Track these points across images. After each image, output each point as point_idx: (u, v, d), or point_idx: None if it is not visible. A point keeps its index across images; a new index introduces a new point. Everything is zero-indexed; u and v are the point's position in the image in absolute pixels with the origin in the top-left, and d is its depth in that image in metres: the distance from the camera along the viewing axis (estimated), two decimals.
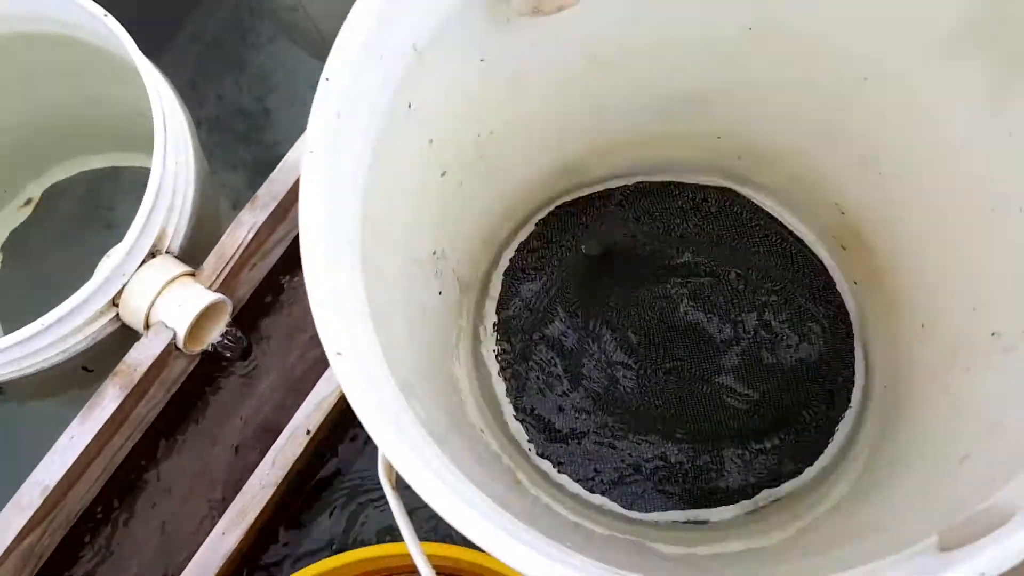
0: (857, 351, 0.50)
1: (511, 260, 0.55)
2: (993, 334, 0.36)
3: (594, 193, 0.55)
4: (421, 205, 0.41)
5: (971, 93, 0.35)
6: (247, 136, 0.73)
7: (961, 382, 0.37)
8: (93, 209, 0.69)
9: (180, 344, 0.46)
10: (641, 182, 0.55)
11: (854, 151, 0.45)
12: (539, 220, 0.55)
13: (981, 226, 0.37)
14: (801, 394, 0.49)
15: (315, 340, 0.36)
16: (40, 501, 0.45)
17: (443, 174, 0.42)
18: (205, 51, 0.75)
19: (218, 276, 0.48)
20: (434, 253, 0.45)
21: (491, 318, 0.54)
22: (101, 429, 0.46)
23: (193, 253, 0.49)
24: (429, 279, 0.44)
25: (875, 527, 0.35)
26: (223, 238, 0.49)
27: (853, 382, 0.49)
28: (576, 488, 0.49)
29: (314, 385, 0.51)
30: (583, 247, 0.54)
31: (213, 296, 0.47)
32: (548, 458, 0.50)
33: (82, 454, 0.46)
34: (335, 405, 0.51)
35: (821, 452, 0.48)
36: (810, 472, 0.47)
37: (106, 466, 0.50)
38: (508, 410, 0.51)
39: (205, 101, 0.73)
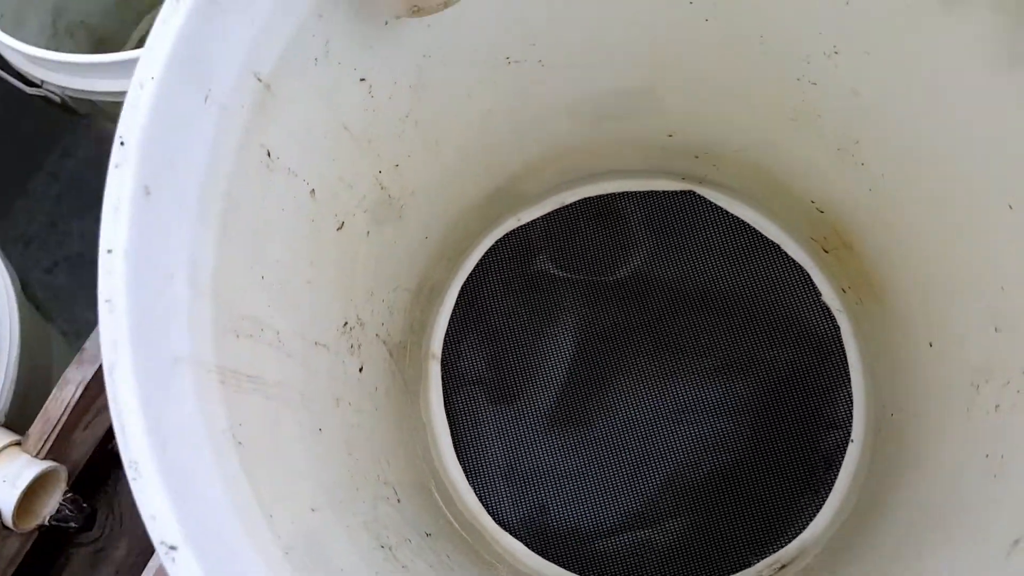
0: (854, 374, 0.43)
1: (455, 304, 0.47)
2: None
3: (534, 220, 0.48)
4: (316, 272, 0.32)
5: (977, 52, 0.28)
6: None
7: (988, 427, 0.30)
8: None
9: (9, 523, 0.39)
10: (587, 199, 0.47)
11: (829, 140, 0.38)
12: (478, 261, 0.47)
13: (996, 225, 0.30)
14: (786, 424, 0.42)
15: None
16: None
17: (340, 227, 0.34)
18: (65, 190, 0.74)
19: (45, 442, 0.42)
20: (345, 324, 0.36)
21: (435, 379, 0.46)
22: None
23: (22, 419, 0.45)
24: (343, 358, 0.35)
25: None
26: (47, 401, 0.43)
27: (851, 412, 0.42)
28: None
29: None
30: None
31: (42, 466, 0.41)
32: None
33: None
34: None
35: (822, 504, 0.41)
36: (813, 530, 0.40)
37: None
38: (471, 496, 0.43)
39: (66, 239, 0.72)
